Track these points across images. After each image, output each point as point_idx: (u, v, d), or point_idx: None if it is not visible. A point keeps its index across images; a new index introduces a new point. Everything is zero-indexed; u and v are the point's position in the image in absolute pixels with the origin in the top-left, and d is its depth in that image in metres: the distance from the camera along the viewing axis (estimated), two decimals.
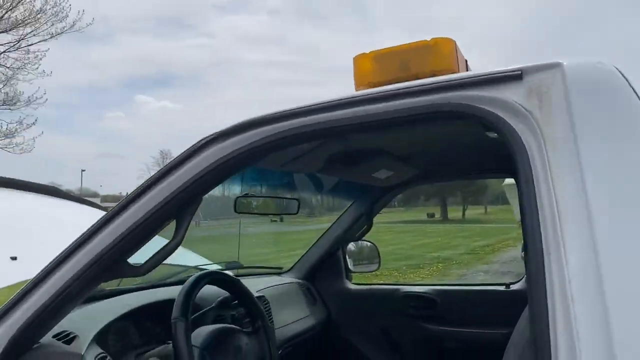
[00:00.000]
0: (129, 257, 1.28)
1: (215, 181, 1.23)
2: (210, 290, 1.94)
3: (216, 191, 1.34)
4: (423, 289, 2.68)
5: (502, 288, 2.54)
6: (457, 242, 20.36)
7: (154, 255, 1.26)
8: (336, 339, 2.78)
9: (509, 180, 14.81)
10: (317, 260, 2.82)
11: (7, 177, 2.96)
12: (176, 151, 1.27)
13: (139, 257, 1.29)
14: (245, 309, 1.74)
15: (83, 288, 1.24)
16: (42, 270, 1.23)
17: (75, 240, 1.23)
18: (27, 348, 1.27)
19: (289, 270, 2.89)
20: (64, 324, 1.39)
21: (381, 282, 2.87)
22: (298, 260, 2.89)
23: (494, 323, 2.46)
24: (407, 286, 2.74)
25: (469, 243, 19.88)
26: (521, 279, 2.55)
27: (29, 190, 2.89)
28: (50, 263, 1.23)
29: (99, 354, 1.30)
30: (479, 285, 2.80)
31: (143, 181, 1.23)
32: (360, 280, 2.98)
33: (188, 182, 1.19)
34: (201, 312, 1.68)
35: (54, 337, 1.32)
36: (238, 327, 1.66)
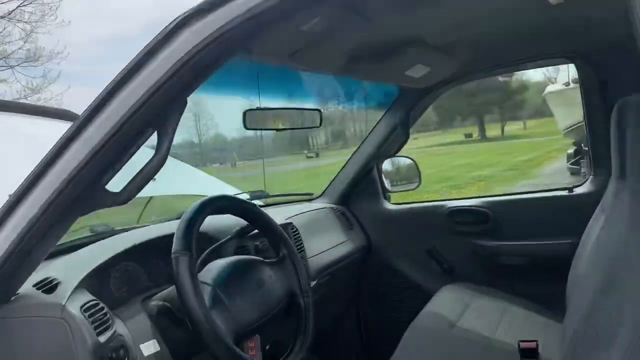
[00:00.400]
0: (106, 183, 1.02)
1: (196, 76, 0.94)
2: (229, 221, 1.70)
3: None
4: (472, 201, 2.38)
5: (564, 193, 2.22)
6: (497, 160, 19.80)
7: (134, 178, 1.00)
8: (378, 264, 2.54)
9: (551, 88, 14.06)
10: (350, 182, 2.54)
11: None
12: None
13: (120, 184, 1.04)
14: (267, 237, 1.48)
15: (54, 224, 0.99)
16: (2, 206, 0.99)
17: (38, 166, 0.97)
18: (4, 300, 1.05)
19: (320, 196, 2.63)
20: (50, 272, 1.17)
21: (423, 200, 2.55)
22: (329, 184, 2.62)
23: (557, 233, 2.16)
24: (453, 201, 2.44)
25: (510, 159, 19.33)
26: (586, 181, 2.22)
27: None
28: (12, 195, 0.99)
29: (88, 302, 1.07)
30: (536, 192, 2.48)
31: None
32: (399, 200, 2.69)
33: (162, 79, 0.90)
34: (216, 245, 1.44)
35: (34, 285, 1.09)
36: (259, 258, 1.41)
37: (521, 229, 2.25)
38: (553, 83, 14.23)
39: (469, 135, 37.22)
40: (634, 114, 1.33)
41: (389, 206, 2.56)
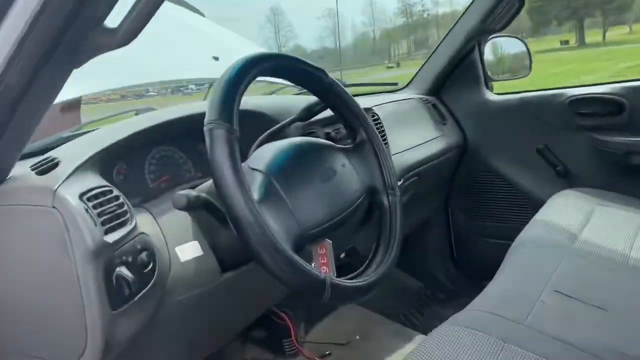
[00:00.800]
0: (104, 17, 0.70)
1: None
2: (294, 102, 1.35)
3: None
4: (601, 88, 1.88)
5: None
6: (597, 66, 18.00)
7: (132, 9, 0.67)
8: (475, 165, 2.14)
9: None
10: (443, 68, 2.10)
11: None
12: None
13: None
14: (343, 117, 1.10)
15: (39, 70, 0.69)
16: None
17: None
18: None
19: (407, 86, 2.21)
20: (58, 152, 0.88)
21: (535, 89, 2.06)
22: (418, 72, 2.19)
23: None
24: (575, 88, 1.95)
25: (612, 66, 17.53)
26: None
27: None
28: None
29: (94, 188, 0.78)
30: None
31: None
32: (504, 90, 2.23)
33: None
34: (275, 128, 1.10)
35: (31, 166, 0.82)
36: (329, 142, 1.07)
37: None
38: None
39: (565, 42, 34.16)
40: None
41: (492, 96, 2.11)
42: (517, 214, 2.08)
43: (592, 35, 34.83)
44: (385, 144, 1.59)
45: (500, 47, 2.20)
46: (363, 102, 1.78)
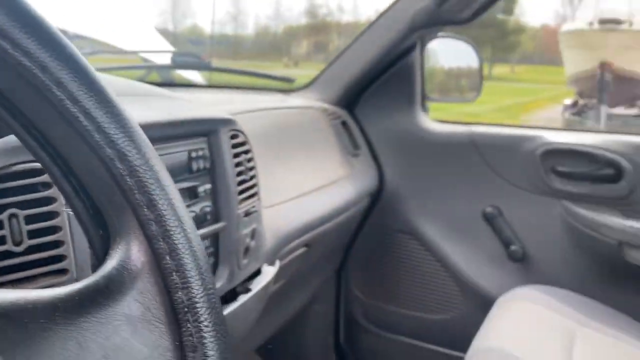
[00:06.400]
0: None
1: None
2: None
3: None
4: (591, 138, 1.25)
5: None
6: (484, 99, 18.81)
7: None
8: (392, 223, 1.42)
9: (569, 27, 12.97)
10: (363, 70, 1.35)
11: None
12: None
13: None
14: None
15: None
16: None
17: None
18: None
19: (307, 87, 1.44)
20: None
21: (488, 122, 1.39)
22: (324, 70, 1.44)
23: None
24: (551, 131, 1.31)
25: (497, 100, 18.45)
26: None
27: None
28: None
29: None
30: None
31: None
32: (441, 116, 1.54)
33: None
34: None
35: None
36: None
37: None
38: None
39: None
40: None
41: (429, 124, 1.40)
42: (444, 305, 1.40)
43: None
44: (254, 195, 0.80)
45: (443, 52, 1.54)
46: (226, 104, 1.01)
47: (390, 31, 1.26)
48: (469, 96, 1.54)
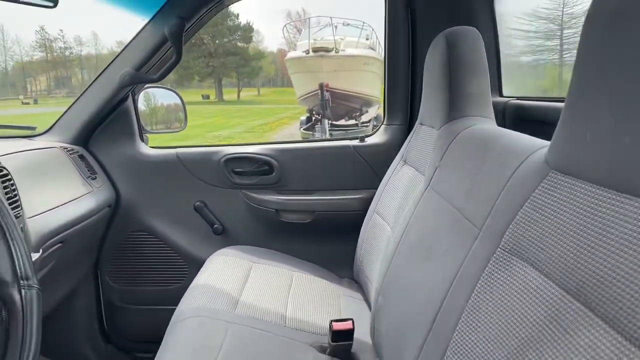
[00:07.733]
0: None
1: None
2: None
3: None
4: (253, 148, 1.96)
5: (356, 142, 1.95)
6: (235, 122, 20.00)
7: None
8: (129, 224, 1.94)
9: (292, 54, 14.66)
10: (93, 114, 1.84)
11: None
12: None
13: None
14: None
15: None
16: None
17: None
18: None
19: (47, 131, 1.87)
20: None
21: (190, 144, 2.01)
22: (61, 117, 1.88)
23: (349, 186, 1.91)
24: (230, 147, 1.98)
25: (247, 122, 19.75)
26: (377, 130, 2.01)
27: None
28: None
29: None
30: (325, 140, 2.17)
31: None
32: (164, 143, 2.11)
33: None
34: None
35: None
36: None
37: (309, 182, 1.92)
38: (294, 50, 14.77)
39: (207, 97, 36.97)
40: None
41: (147, 150, 1.96)
42: (176, 277, 1.96)
43: (229, 93, 38.76)
44: (18, 207, 1.26)
45: (154, 97, 2.10)
46: None
47: (106, 88, 1.77)
48: (177, 126, 2.13)
